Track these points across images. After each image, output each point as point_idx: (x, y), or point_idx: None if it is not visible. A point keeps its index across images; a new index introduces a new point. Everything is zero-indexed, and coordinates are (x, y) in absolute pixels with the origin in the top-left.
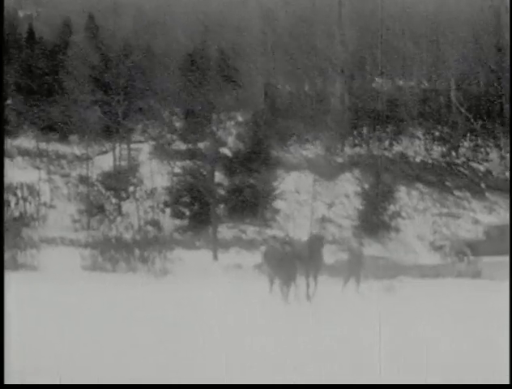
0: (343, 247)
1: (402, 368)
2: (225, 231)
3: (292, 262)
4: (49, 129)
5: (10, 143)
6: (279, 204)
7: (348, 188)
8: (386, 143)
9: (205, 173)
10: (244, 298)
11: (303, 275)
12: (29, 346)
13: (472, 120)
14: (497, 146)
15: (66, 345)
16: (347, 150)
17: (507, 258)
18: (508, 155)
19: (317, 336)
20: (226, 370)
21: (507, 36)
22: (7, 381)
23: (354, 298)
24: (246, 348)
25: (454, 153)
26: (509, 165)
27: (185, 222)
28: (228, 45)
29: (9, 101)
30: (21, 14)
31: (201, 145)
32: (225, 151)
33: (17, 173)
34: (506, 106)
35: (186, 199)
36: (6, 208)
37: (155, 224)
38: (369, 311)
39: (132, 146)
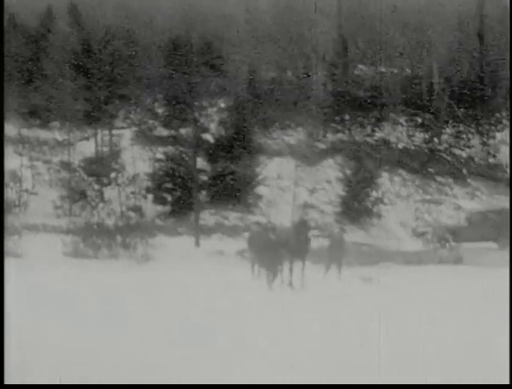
0: (325, 233)
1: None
2: (207, 217)
3: (277, 248)
4: (31, 115)
5: None
6: (261, 190)
7: (330, 174)
8: (369, 129)
9: (187, 159)
10: (227, 284)
11: (288, 261)
12: (16, 334)
13: (455, 106)
14: (479, 132)
15: (52, 333)
16: (330, 136)
17: (488, 244)
18: (491, 141)
19: (302, 323)
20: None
21: (490, 23)
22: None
23: (337, 285)
24: (230, 334)
25: (436, 139)
26: (491, 151)
27: (168, 208)
28: (211, 32)
29: None
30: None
31: (183, 131)
32: (208, 137)
33: None
34: (488, 93)
35: (168, 185)
36: None
37: (137, 210)
38: (354, 299)
39: (114, 132)
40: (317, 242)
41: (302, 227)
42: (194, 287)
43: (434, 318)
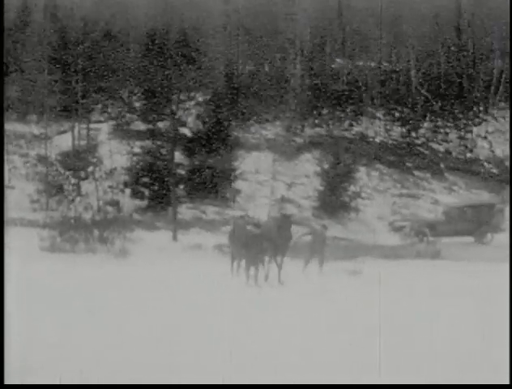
0: (304, 228)
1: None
2: (185, 211)
3: (260, 243)
4: (7, 108)
5: None
6: (239, 184)
7: (308, 168)
8: (346, 123)
9: (165, 153)
10: (206, 279)
11: (270, 256)
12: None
13: (432, 101)
14: (457, 126)
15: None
16: (308, 130)
17: (466, 239)
18: (468, 135)
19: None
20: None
21: (467, 17)
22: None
23: (320, 280)
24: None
25: (413, 134)
26: (469, 146)
27: (145, 202)
28: (188, 26)
29: None
30: None
31: (161, 125)
32: (185, 131)
33: None
34: (466, 87)
35: (146, 180)
36: None
37: (115, 204)
38: (337, 293)
39: (91, 126)
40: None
41: (285, 222)
42: (171, 281)
43: (421, 313)
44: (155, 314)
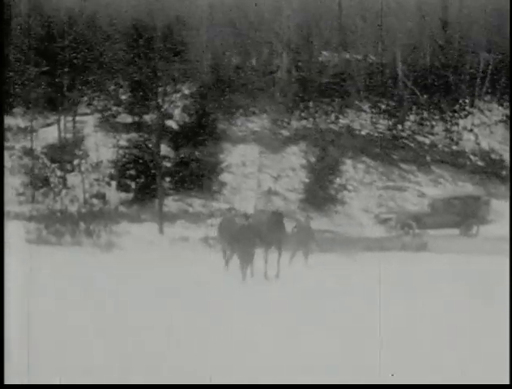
0: (290, 220)
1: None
2: (171, 204)
3: (251, 237)
4: None
5: None
6: (225, 177)
7: (294, 161)
8: (333, 116)
9: (151, 145)
10: (193, 273)
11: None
12: None
13: (418, 93)
14: (443, 119)
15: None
16: (294, 123)
17: (452, 231)
18: (454, 128)
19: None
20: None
21: (453, 11)
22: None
23: (305, 273)
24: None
25: (399, 126)
26: (455, 138)
27: (131, 195)
28: (174, 17)
29: None
30: None
31: (147, 118)
32: (171, 123)
33: None
34: (452, 79)
35: (132, 172)
36: None
37: (101, 197)
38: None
39: (77, 118)
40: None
41: (277, 220)
42: (158, 273)
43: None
44: (143, 310)
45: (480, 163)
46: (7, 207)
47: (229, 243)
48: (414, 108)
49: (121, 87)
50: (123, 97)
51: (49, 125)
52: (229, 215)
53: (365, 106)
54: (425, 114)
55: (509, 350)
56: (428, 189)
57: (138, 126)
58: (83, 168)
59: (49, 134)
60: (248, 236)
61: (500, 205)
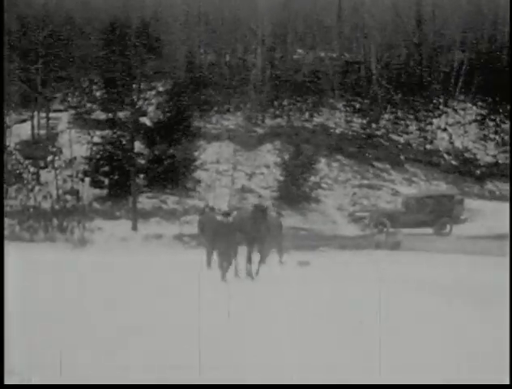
0: None
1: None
2: (145, 201)
3: (233, 234)
4: None
5: None
6: (199, 174)
7: (269, 159)
8: (307, 114)
9: (125, 142)
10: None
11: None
12: None
13: (392, 92)
14: (417, 118)
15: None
16: (268, 121)
17: (426, 230)
18: (428, 127)
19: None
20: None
21: (428, 9)
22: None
23: (281, 272)
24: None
25: (374, 125)
26: (429, 137)
27: (105, 192)
28: (150, 15)
29: None
30: None
31: (121, 115)
32: (145, 120)
33: None
34: (426, 78)
35: (106, 169)
36: None
37: (74, 193)
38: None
39: (51, 115)
40: None
41: (260, 215)
42: (131, 270)
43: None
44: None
45: (453, 162)
46: None
47: (210, 241)
48: (388, 107)
49: (96, 83)
50: (97, 94)
51: (22, 121)
52: (209, 211)
53: (340, 104)
54: (400, 113)
55: (510, 350)
56: (402, 187)
57: (112, 123)
58: (56, 165)
59: (23, 130)
60: (229, 233)
61: (473, 204)
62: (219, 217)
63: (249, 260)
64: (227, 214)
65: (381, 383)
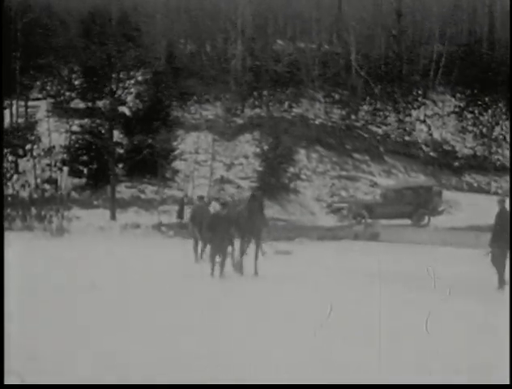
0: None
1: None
2: (124, 190)
3: (228, 226)
4: None
5: None
6: (178, 164)
7: (248, 149)
8: (286, 105)
9: (103, 131)
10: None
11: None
12: None
13: (372, 84)
14: (396, 110)
15: None
16: (247, 111)
17: (404, 221)
18: (407, 118)
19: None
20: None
21: (407, 1)
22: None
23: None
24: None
25: (353, 116)
26: (407, 129)
27: (83, 181)
28: (129, 5)
29: None
30: None
31: (100, 104)
32: (124, 110)
33: None
34: (405, 70)
35: (84, 158)
36: None
37: (53, 182)
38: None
39: (30, 103)
40: None
41: (258, 203)
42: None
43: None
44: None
45: (432, 154)
46: None
47: (202, 232)
48: (368, 98)
49: (75, 72)
50: (76, 83)
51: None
52: (200, 202)
53: (319, 96)
54: (379, 104)
55: (510, 350)
56: (380, 179)
57: (91, 112)
58: (35, 154)
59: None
60: (225, 225)
61: (451, 196)
62: (212, 208)
63: (243, 254)
64: (223, 205)
65: (382, 383)
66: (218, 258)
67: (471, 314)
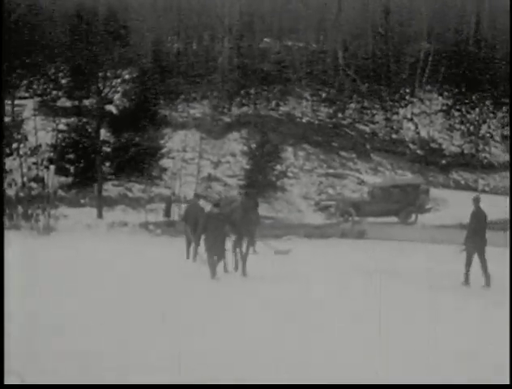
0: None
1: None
2: (111, 189)
3: (222, 226)
4: None
5: None
6: (165, 163)
7: (235, 147)
8: (274, 103)
9: (90, 130)
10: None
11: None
12: None
13: (359, 82)
14: (383, 108)
15: None
16: (235, 109)
17: (391, 219)
18: (395, 116)
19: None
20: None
21: (395, 0)
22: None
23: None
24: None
25: (340, 114)
26: (395, 127)
27: (70, 179)
28: (116, 3)
29: None
30: None
31: (87, 102)
32: (111, 108)
33: None
34: (393, 68)
35: (71, 156)
36: None
37: (40, 180)
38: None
39: (16, 102)
40: None
41: (252, 202)
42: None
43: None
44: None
45: (419, 151)
46: None
47: (196, 231)
48: (355, 96)
49: (62, 71)
50: (63, 81)
51: None
52: (194, 200)
53: (306, 94)
54: (366, 103)
55: (510, 350)
56: (367, 177)
57: (77, 111)
58: (21, 152)
59: None
60: (219, 224)
61: (438, 193)
62: (207, 208)
63: (234, 250)
64: (217, 204)
65: (381, 383)
66: (216, 260)
67: (464, 309)
